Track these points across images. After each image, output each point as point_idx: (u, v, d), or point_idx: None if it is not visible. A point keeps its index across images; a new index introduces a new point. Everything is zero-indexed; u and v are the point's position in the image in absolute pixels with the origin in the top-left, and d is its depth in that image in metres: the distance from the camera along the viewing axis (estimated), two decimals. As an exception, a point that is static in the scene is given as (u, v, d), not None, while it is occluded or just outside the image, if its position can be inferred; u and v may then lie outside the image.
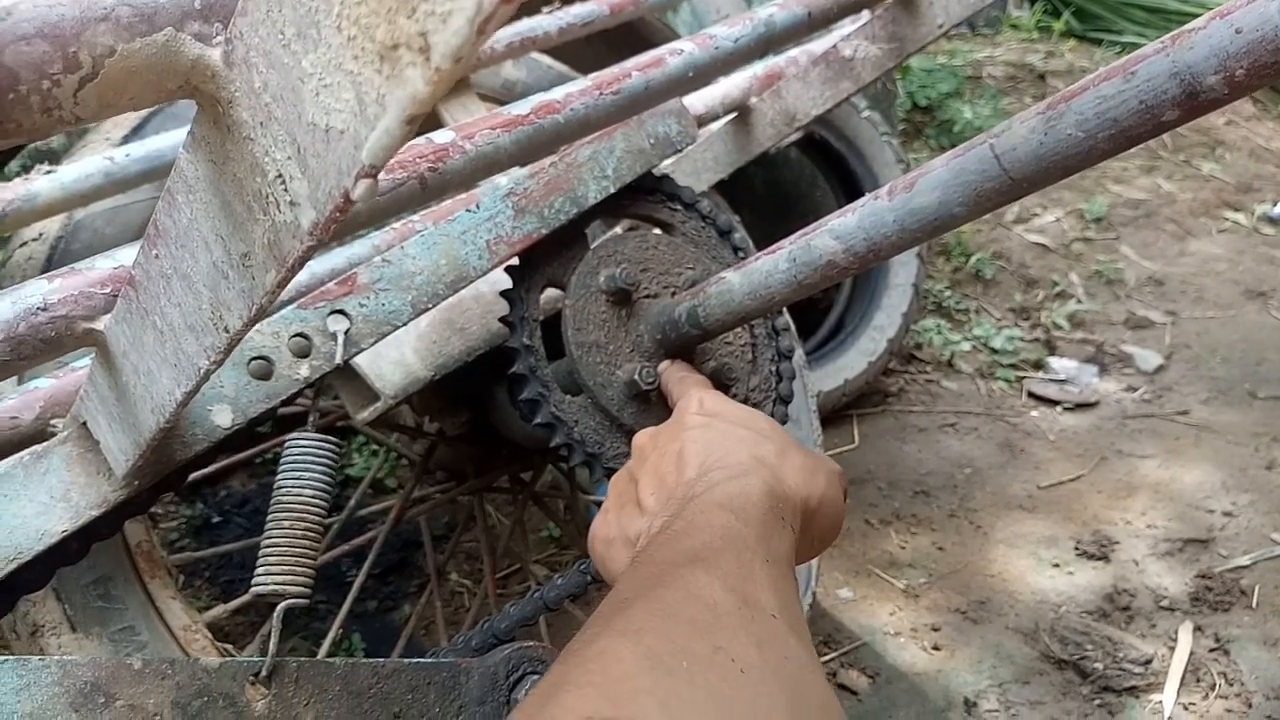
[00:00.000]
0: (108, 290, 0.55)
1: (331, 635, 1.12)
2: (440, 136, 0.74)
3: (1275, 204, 3.05)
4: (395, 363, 0.91)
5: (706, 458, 0.56)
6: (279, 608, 0.64)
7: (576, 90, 0.82)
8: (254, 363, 0.71)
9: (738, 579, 0.43)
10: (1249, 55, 0.44)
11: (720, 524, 0.47)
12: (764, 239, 0.75)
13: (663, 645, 0.36)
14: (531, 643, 0.69)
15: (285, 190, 0.29)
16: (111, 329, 0.50)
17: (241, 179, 0.31)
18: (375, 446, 1.70)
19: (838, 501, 0.58)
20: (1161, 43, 0.47)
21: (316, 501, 0.68)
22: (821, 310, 2.12)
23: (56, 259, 1.14)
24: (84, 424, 0.63)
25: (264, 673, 0.62)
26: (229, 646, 0.97)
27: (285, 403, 0.72)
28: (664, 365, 0.80)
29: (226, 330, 0.37)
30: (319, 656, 1.13)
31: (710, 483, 0.53)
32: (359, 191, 0.25)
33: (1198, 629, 1.43)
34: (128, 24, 0.28)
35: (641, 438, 0.66)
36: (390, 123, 0.23)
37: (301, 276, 0.86)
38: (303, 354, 0.73)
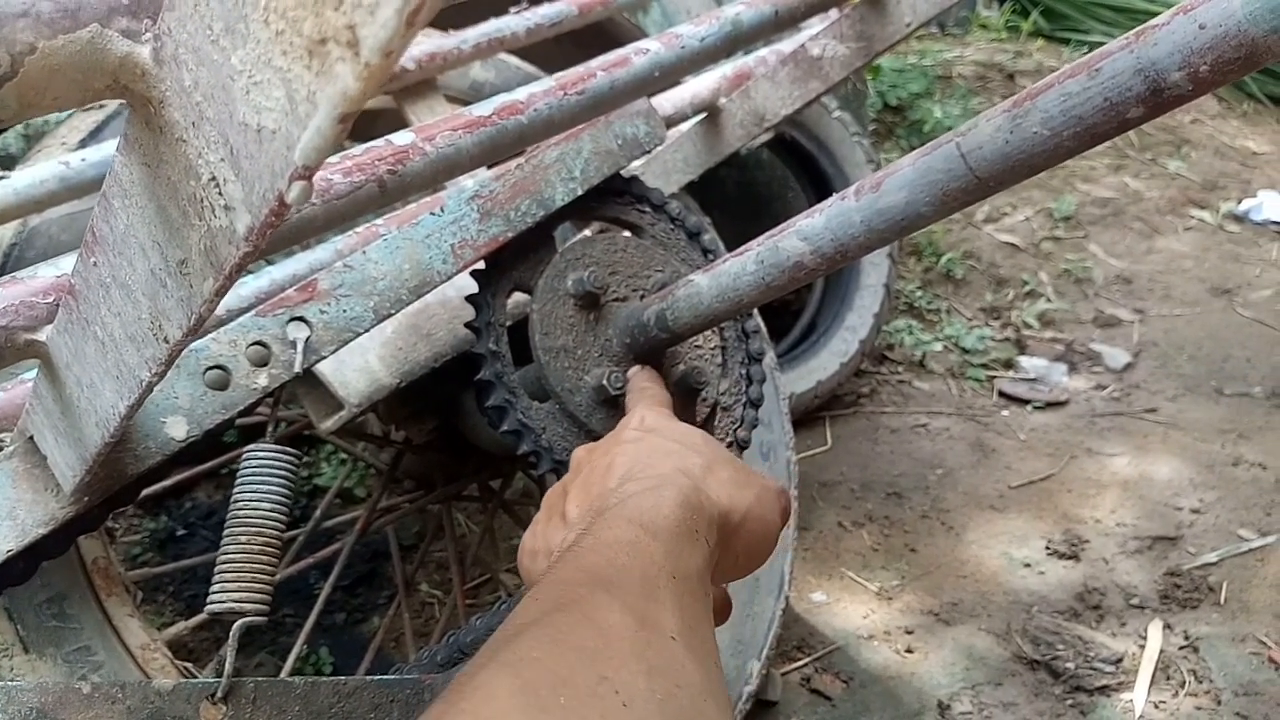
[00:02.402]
0: (50, 300, 0.53)
1: (297, 649, 1.09)
2: (400, 138, 0.73)
3: (1240, 201, 3.09)
4: (360, 370, 0.90)
5: (630, 469, 0.55)
6: (236, 626, 0.62)
7: (540, 90, 0.81)
8: (210, 372, 0.69)
9: (638, 598, 0.42)
10: (1212, 51, 0.43)
11: (628, 539, 0.46)
12: (736, 241, 0.74)
13: (543, 678, 0.35)
14: (499, 655, 0.68)
15: (220, 194, 0.27)
16: (54, 340, 0.49)
17: (176, 183, 0.29)
18: (344, 456, 1.68)
19: (768, 520, 0.57)
20: (1126, 39, 0.47)
21: (274, 515, 0.66)
22: (793, 312, 2.12)
23: (10, 266, 1.11)
24: (30, 438, 0.60)
25: (220, 694, 0.60)
26: (189, 665, 0.95)
27: (243, 413, 0.70)
28: (633, 370, 0.79)
29: (166, 341, 0.35)
30: (285, 671, 1.10)
31: (624, 494, 0.51)
32: (293, 194, 0.24)
33: (1167, 627, 1.44)
34: (49, 20, 0.27)
35: (579, 452, 0.65)
36: (322, 121, 0.22)
37: (261, 283, 0.84)
38: (261, 363, 0.71)
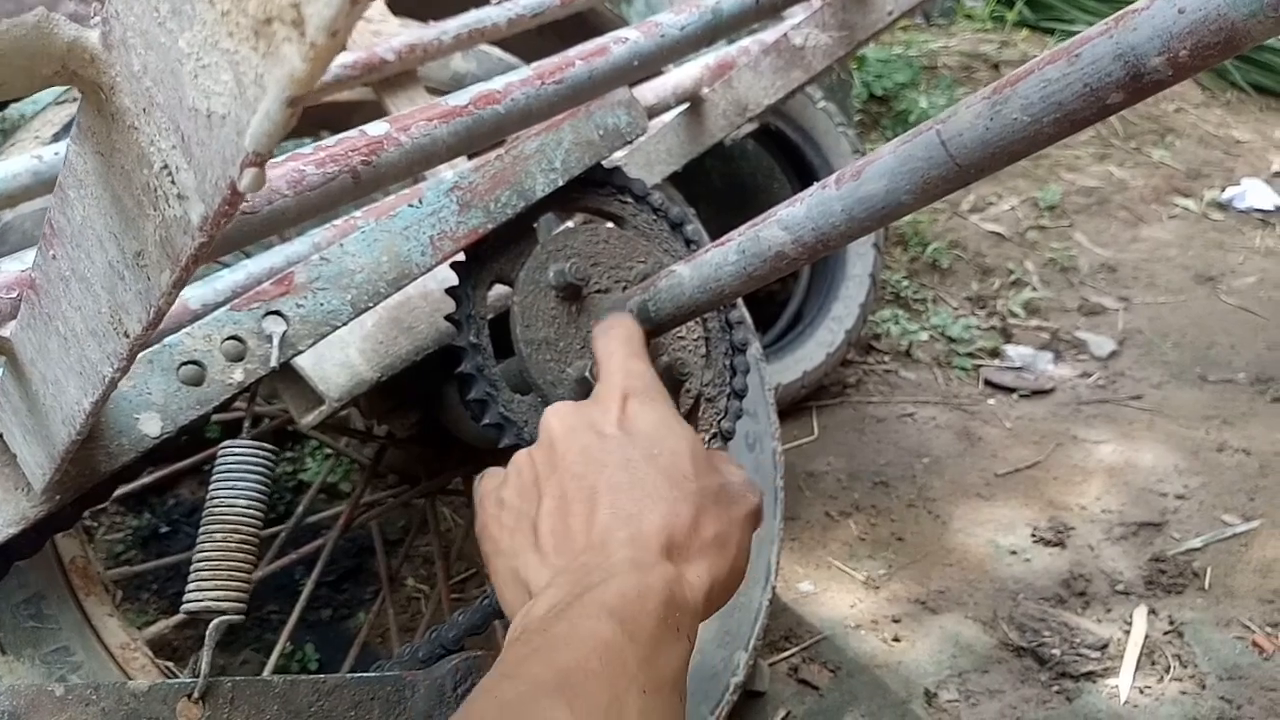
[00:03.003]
0: (14, 295, 0.52)
1: (280, 646, 1.08)
2: (374, 129, 0.72)
3: (1224, 189, 3.11)
4: (340, 364, 0.89)
5: (613, 521, 0.52)
6: (212, 625, 0.61)
7: (517, 80, 0.80)
8: (184, 368, 0.68)
9: (603, 717, 0.40)
10: (1192, 35, 0.43)
11: (603, 637, 0.44)
12: (722, 233, 0.73)
13: None
14: (479, 651, 0.67)
15: (173, 182, 0.26)
16: (18, 335, 0.48)
17: (129, 171, 0.28)
18: (328, 450, 1.67)
19: (740, 564, 0.55)
20: (1105, 24, 0.46)
21: (251, 512, 0.65)
22: (780, 303, 2.12)
23: (-17, 263, 1.09)
24: (-1, 436, 0.59)
25: (197, 694, 0.59)
26: (171, 665, 0.94)
27: (219, 409, 0.69)
28: (604, 322, 0.72)
29: (127, 335, 0.34)
30: (268, 668, 1.09)
31: (607, 571, 0.48)
32: (245, 182, 0.23)
33: (1152, 612, 1.45)
34: (-7, 3, 0.26)
35: (554, 423, 0.60)
36: (270, 105, 0.21)
37: (236, 277, 0.83)
38: (237, 357, 0.70)
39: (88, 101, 0.29)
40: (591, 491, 0.54)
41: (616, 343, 0.67)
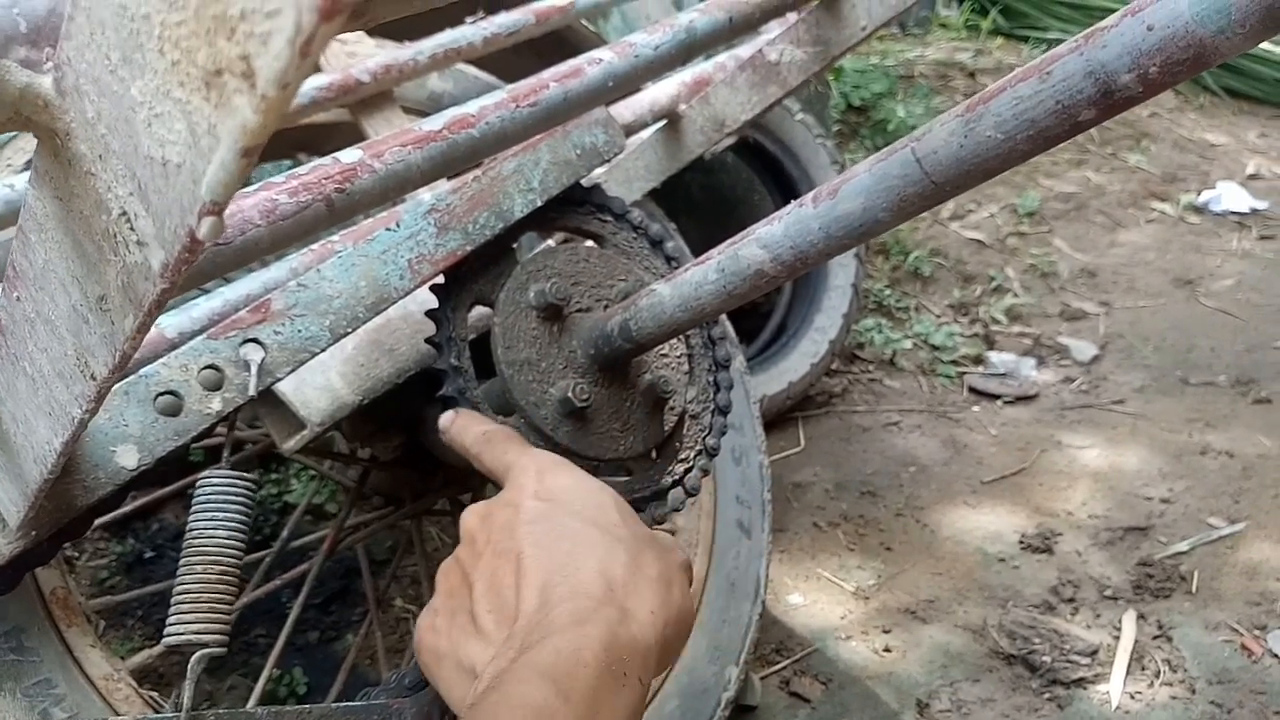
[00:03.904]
0: (-18, 332, 0.52)
1: (267, 671, 1.07)
2: (347, 156, 0.72)
3: (1199, 193, 3.14)
4: (321, 389, 0.88)
5: (548, 579, 0.50)
6: (194, 658, 0.61)
7: (492, 103, 0.80)
8: (161, 398, 0.67)
9: None
10: (1161, 52, 0.43)
11: (535, 703, 0.41)
12: (704, 246, 0.73)
13: None
14: (466, 678, 0.67)
15: (131, 229, 0.26)
16: (-14, 375, 0.47)
17: (88, 217, 0.28)
18: (313, 472, 1.65)
19: (688, 605, 0.53)
20: (1075, 41, 0.47)
21: (231, 542, 0.65)
22: (763, 314, 2.12)
23: (-42, 292, 1.08)
24: (-29, 474, 0.58)
25: (177, 729, 0.58)
26: (155, 694, 0.93)
27: (197, 439, 0.69)
28: (447, 417, 0.72)
29: (93, 378, 0.34)
30: (255, 694, 1.08)
31: (546, 630, 0.46)
32: (204, 230, 0.23)
33: (1141, 617, 1.45)
34: (-55, 50, 0.26)
35: (471, 520, 0.59)
36: (225, 155, 0.20)
37: (214, 304, 0.83)
38: (214, 387, 0.69)
39: (44, 146, 0.28)
40: (518, 557, 0.52)
41: (506, 443, 0.67)
